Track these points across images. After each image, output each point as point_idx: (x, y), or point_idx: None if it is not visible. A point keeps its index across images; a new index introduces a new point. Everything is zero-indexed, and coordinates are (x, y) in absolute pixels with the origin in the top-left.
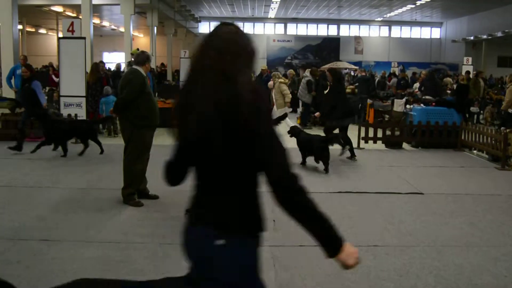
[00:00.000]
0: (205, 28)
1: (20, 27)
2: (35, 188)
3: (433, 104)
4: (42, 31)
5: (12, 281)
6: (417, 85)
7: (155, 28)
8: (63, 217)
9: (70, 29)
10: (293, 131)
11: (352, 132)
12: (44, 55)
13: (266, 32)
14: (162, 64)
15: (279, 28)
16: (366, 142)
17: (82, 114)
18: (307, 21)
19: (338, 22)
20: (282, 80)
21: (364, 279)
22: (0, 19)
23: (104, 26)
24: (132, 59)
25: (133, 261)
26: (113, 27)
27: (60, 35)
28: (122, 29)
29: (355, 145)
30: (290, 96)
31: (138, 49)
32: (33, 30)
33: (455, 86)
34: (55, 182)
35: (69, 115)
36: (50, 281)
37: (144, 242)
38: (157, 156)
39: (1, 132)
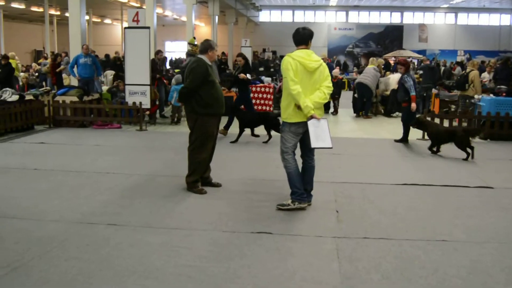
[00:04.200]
0: (265, 16)
1: (86, 17)
2: (103, 174)
3: (504, 94)
4: (108, 21)
5: (80, 264)
6: (485, 74)
7: (216, 17)
8: (129, 202)
9: (135, 19)
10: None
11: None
12: (109, 44)
13: (327, 20)
14: (223, 53)
15: (341, 16)
16: None
17: (146, 102)
18: (369, 8)
19: (401, 9)
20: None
21: (432, 275)
22: (69, 10)
23: (166, 16)
24: (190, 49)
25: (196, 248)
26: (175, 16)
27: (125, 25)
28: (184, 19)
29: (420, 136)
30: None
31: (194, 38)
32: (99, 20)
33: None
34: (121, 168)
35: (134, 103)
36: (117, 265)
37: (207, 230)
38: (220, 144)
39: (71, 119)
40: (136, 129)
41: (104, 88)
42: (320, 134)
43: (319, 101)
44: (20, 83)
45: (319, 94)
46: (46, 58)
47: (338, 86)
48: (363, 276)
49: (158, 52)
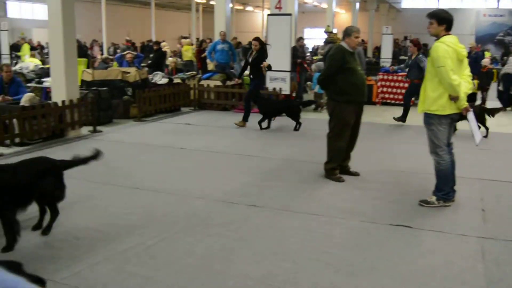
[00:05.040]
0: (408, 2)
1: (230, 4)
2: (243, 156)
3: None
4: (249, 8)
5: (222, 241)
6: None
7: (357, 3)
8: (268, 185)
9: (278, 6)
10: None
11: None
12: (250, 31)
13: (475, 6)
14: (362, 40)
15: (491, 1)
16: None
17: (286, 88)
18: None
19: None
20: None
21: None
22: None
23: (306, 3)
24: (328, 36)
25: (333, 235)
26: (315, 3)
27: (266, 12)
28: (324, 5)
29: None
30: None
31: (328, 26)
32: (241, 7)
33: None
34: (261, 151)
35: (274, 89)
36: (256, 245)
37: (344, 218)
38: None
39: (214, 102)
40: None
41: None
42: (474, 128)
43: (467, 91)
44: (169, 68)
45: (466, 84)
46: (192, 45)
47: (488, 76)
48: (511, 282)
49: (299, 39)
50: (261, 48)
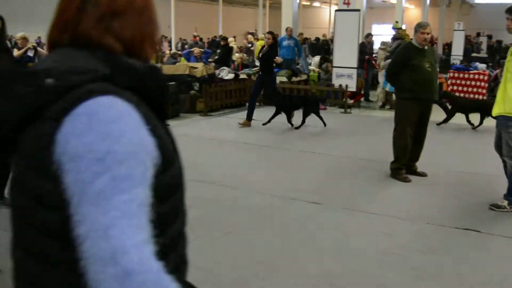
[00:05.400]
0: None
1: (297, 0)
2: (307, 153)
3: None
4: (316, 4)
5: (284, 237)
6: None
7: None
8: (332, 183)
9: (346, 1)
10: None
11: None
12: (316, 27)
13: None
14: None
15: None
16: None
17: (352, 85)
18: None
19: None
20: None
21: None
22: None
23: None
24: (396, 33)
25: (398, 236)
26: None
27: (333, 7)
28: (393, 1)
29: None
30: None
31: (397, 22)
32: (308, 3)
33: None
34: (324, 148)
35: (340, 85)
36: (319, 243)
37: (410, 219)
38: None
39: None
40: (341, 111)
41: (311, 67)
42: None
43: None
44: (235, 63)
45: None
46: (258, 40)
47: None
48: None
49: (368, 35)
50: (274, 43)
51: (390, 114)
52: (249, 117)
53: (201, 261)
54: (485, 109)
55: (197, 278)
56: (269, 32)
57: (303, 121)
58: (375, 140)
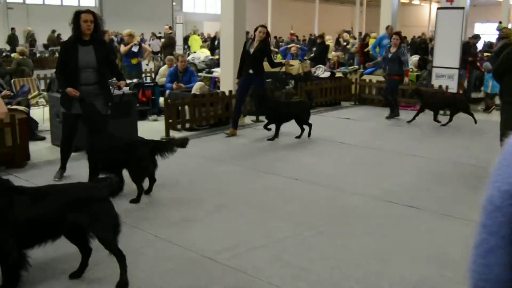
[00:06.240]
0: None
1: None
2: (402, 154)
3: None
4: (416, 1)
5: (379, 239)
6: None
7: None
8: (429, 186)
9: None
10: None
11: None
12: (415, 26)
13: None
14: None
15: None
16: None
17: (453, 86)
18: None
19: None
20: None
21: None
22: None
23: None
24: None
25: None
26: None
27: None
28: None
29: None
30: None
31: (501, 23)
32: (407, 1)
33: None
34: (421, 151)
35: (440, 86)
36: (414, 249)
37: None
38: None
39: (375, 98)
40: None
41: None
42: None
43: None
44: (331, 61)
45: None
46: (354, 39)
47: None
48: None
49: (476, 37)
50: (266, 38)
51: (492, 117)
52: (235, 125)
53: (295, 258)
54: None
55: (291, 275)
56: (263, 26)
57: (309, 127)
58: (475, 144)
